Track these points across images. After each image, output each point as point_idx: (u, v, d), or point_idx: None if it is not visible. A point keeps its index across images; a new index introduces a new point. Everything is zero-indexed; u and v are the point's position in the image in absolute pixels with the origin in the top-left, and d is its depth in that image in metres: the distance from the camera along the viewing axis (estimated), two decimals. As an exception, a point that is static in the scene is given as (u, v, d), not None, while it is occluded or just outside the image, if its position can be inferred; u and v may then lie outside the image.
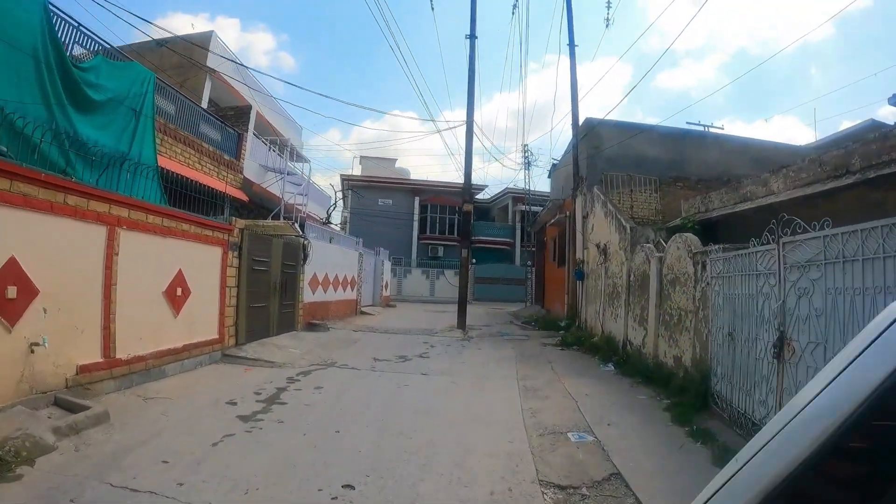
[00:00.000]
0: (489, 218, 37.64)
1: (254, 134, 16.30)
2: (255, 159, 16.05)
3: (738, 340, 4.95)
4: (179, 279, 7.31)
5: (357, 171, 35.56)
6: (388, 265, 24.87)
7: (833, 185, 7.01)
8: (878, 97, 32.77)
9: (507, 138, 61.22)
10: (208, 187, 12.21)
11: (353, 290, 18.47)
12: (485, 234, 33.86)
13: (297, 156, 19.66)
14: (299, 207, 15.91)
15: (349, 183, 33.81)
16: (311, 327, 13.38)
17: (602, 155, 13.56)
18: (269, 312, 10.95)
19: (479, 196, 36.41)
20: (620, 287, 9.53)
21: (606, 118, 13.76)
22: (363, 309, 19.57)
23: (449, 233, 33.20)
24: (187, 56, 16.33)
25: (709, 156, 13.57)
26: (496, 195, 37.25)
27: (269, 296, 10.89)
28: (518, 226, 33.64)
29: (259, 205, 16.23)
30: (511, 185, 33.51)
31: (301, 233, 13.68)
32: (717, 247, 5.57)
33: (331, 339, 12.08)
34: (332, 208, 17.94)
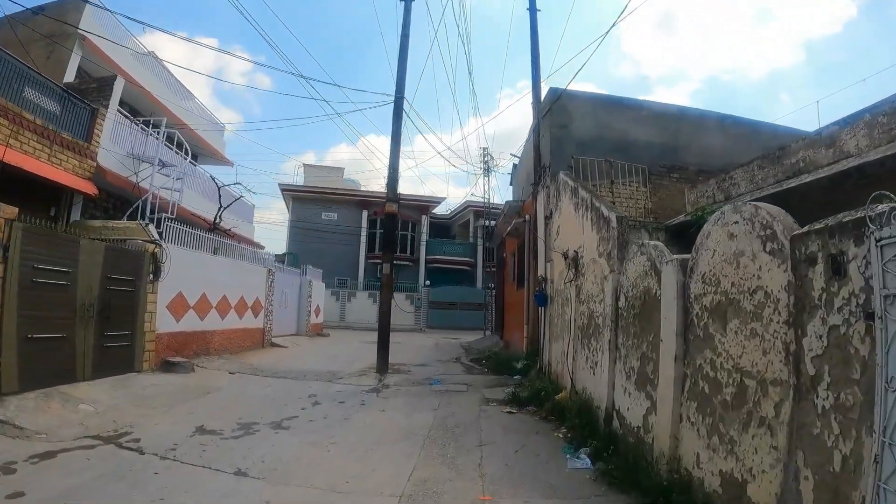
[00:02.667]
0: (449, 235, 33.95)
1: (120, 113, 12.26)
2: (121, 145, 12.05)
3: None
4: None
5: (300, 180, 31.61)
6: (319, 286, 20.77)
7: None
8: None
9: (468, 158, 58.09)
10: (30, 173, 8.77)
11: (257, 315, 14.40)
12: (441, 252, 30.11)
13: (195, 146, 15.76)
14: (175, 204, 11.83)
15: (290, 194, 29.87)
16: (168, 367, 9.43)
17: (572, 137, 10.07)
18: (76, 347, 7.46)
19: (438, 211, 32.87)
20: (601, 317, 5.81)
21: (576, 89, 10.33)
22: (275, 340, 15.45)
23: (401, 251, 29.18)
24: (58, 19, 12.62)
25: (711, 141, 10.23)
26: (456, 210, 33.66)
27: (73, 323, 7.44)
28: (480, 243, 29.95)
29: (128, 202, 12.15)
30: (472, 198, 29.96)
31: (154, 237, 9.71)
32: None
33: (180, 386, 8.19)
34: (221, 210, 13.90)
